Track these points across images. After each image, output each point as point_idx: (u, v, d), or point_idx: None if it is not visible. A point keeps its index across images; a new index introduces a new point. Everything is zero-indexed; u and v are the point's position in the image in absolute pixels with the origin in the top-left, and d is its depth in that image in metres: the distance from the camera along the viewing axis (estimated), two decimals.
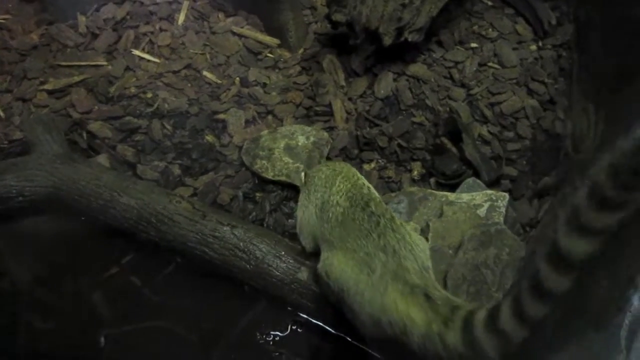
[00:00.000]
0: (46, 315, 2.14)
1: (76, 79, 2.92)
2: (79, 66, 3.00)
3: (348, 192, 1.73)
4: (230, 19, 3.24)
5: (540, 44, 3.06)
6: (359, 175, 1.84)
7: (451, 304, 1.48)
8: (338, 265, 1.64)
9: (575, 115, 2.64)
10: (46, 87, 2.88)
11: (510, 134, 2.69)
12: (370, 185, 1.80)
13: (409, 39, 2.79)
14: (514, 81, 2.89)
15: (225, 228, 2.07)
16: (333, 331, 1.98)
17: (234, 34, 3.16)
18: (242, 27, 3.19)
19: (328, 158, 2.59)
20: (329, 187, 1.78)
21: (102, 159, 2.54)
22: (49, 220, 2.36)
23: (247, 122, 2.76)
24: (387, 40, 2.74)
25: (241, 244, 2.04)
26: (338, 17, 2.82)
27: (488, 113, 2.75)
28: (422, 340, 1.49)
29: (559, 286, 1.12)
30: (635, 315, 0.92)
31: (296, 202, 2.04)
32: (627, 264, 1.04)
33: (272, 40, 3.13)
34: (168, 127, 2.72)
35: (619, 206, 0.95)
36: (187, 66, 3.01)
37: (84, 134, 2.68)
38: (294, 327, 2.02)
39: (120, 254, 2.25)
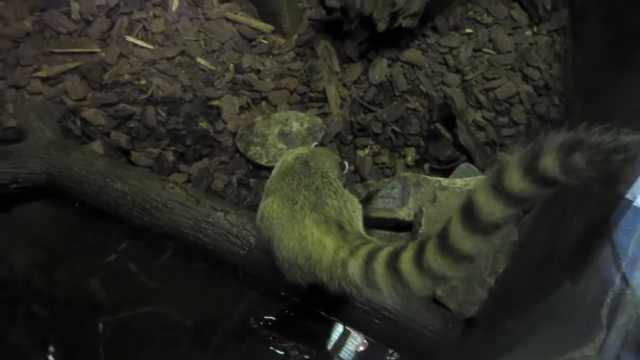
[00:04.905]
0: (43, 301, 2.14)
1: (70, 66, 2.90)
2: (73, 53, 2.98)
3: (298, 154, 1.83)
4: (224, 5, 3.22)
5: (535, 29, 3.05)
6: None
7: (364, 238, 1.52)
8: (267, 204, 1.72)
9: None
10: (40, 74, 2.86)
11: (505, 120, 2.69)
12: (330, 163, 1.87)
13: (403, 25, 2.78)
14: (509, 67, 2.88)
15: (218, 214, 2.08)
16: (326, 315, 2.00)
17: (228, 20, 3.15)
18: (236, 14, 3.18)
19: (322, 144, 2.59)
20: (285, 156, 1.89)
21: (96, 145, 2.54)
22: (43, 207, 2.38)
23: (241, 108, 2.75)
24: (381, 26, 2.73)
25: (234, 229, 2.05)
26: (332, 2, 2.81)
27: (482, 99, 2.75)
28: (328, 269, 1.52)
29: (464, 246, 1.13)
30: (616, 294, 0.93)
31: None
32: None
33: (266, 27, 3.12)
34: (162, 113, 2.71)
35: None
36: (181, 53, 2.99)
37: (78, 121, 2.67)
38: (287, 312, 2.03)
39: (115, 241, 2.26)
